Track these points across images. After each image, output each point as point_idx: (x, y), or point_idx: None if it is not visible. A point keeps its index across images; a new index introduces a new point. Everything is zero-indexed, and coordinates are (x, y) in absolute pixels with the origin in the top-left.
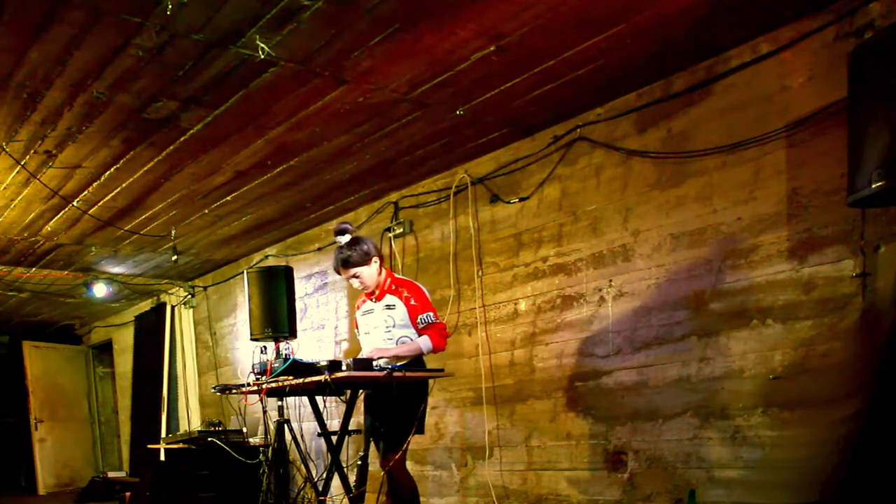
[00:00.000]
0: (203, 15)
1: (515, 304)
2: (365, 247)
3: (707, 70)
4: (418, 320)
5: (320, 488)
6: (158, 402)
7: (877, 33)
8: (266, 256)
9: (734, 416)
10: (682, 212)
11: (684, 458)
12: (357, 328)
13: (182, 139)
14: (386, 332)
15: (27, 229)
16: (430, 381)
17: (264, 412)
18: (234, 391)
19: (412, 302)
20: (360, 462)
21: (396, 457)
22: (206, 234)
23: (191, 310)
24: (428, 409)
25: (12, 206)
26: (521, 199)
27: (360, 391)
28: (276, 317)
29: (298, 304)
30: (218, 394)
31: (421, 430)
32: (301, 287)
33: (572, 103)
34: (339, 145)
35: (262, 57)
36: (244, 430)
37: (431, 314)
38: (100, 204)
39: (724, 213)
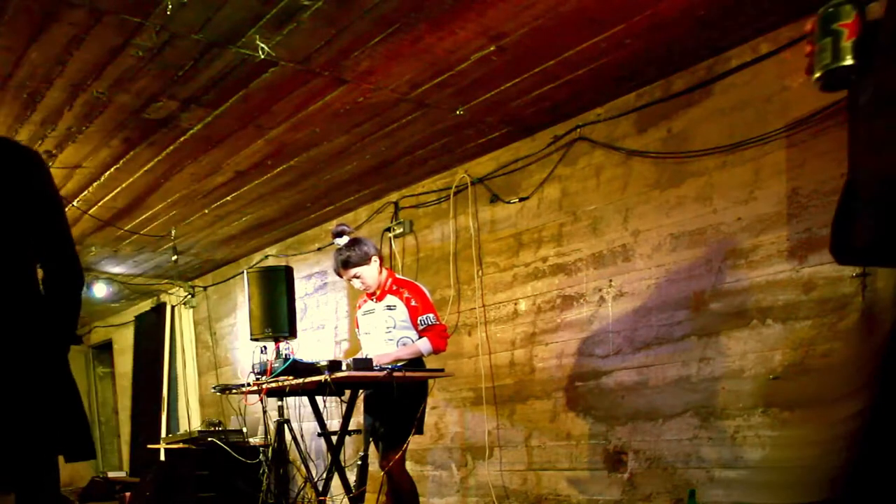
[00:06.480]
0: (203, 15)
1: (515, 304)
2: (364, 247)
3: (707, 70)
4: (418, 321)
5: (320, 488)
6: (158, 402)
7: None
8: (266, 256)
9: (734, 416)
10: (681, 212)
11: (684, 458)
12: (358, 328)
13: (182, 139)
14: (387, 333)
15: None
16: (430, 381)
17: (264, 412)
18: (234, 391)
19: (413, 303)
20: (360, 462)
21: (396, 457)
22: (206, 234)
23: (191, 310)
24: (428, 409)
25: None
26: (521, 199)
27: (360, 391)
28: (276, 317)
29: (298, 304)
30: (218, 394)
31: (420, 431)
32: (301, 287)
33: (572, 103)
34: (339, 145)
35: (262, 57)
36: (244, 430)
37: (432, 315)
38: (100, 204)
39: (724, 213)
